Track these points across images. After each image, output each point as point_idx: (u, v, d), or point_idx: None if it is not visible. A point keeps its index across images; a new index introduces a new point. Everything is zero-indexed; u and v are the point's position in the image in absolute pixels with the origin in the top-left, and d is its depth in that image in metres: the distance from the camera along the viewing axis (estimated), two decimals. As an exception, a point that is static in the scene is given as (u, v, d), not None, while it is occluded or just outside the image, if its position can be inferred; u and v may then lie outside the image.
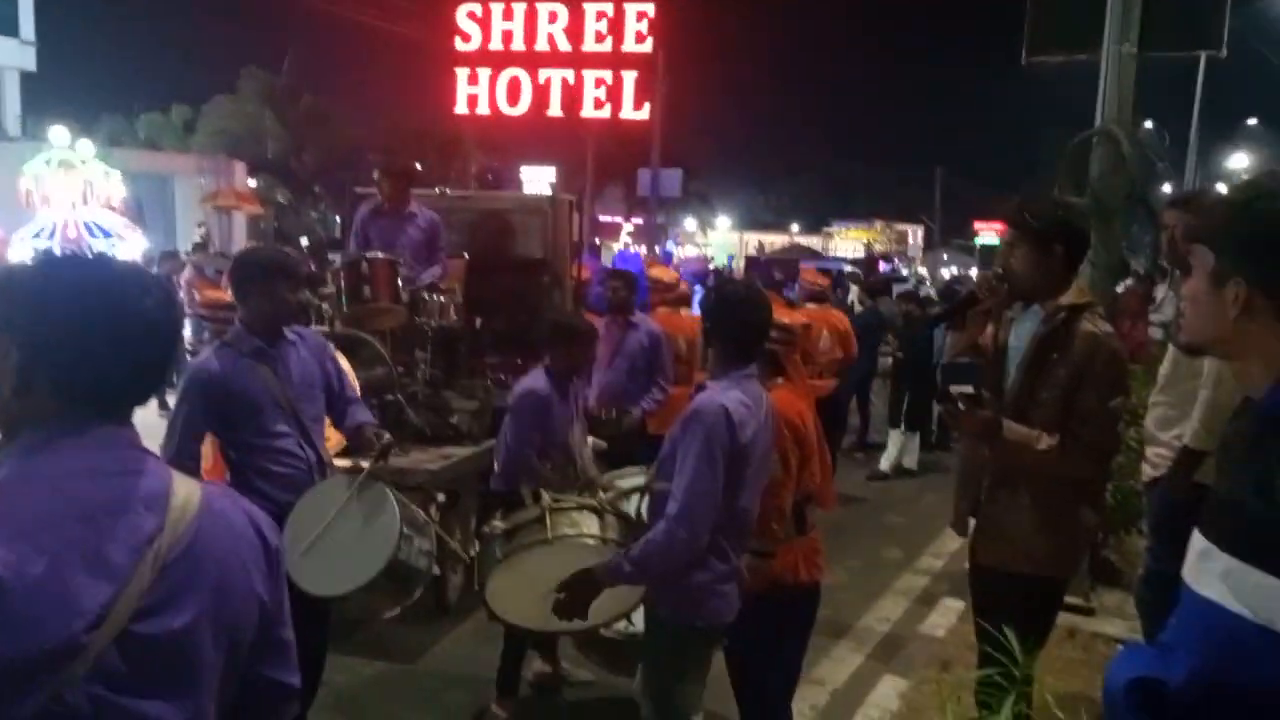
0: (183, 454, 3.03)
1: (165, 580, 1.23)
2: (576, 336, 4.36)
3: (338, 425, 3.37)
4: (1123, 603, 5.02)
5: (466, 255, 6.14)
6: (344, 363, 4.59)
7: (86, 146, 13.49)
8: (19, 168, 13.57)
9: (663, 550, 2.66)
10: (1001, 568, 2.85)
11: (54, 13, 34.82)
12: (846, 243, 48.16)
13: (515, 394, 4.26)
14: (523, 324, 6.34)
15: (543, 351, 4.44)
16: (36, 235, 12.22)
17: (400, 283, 5.08)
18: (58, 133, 13.59)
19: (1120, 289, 6.70)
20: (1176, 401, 3.59)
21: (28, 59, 34.79)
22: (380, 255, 5.11)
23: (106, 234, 12.59)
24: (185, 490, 1.30)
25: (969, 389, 2.69)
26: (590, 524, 2.81)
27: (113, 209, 13.10)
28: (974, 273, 48.84)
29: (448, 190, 6.91)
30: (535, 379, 4.26)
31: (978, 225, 59.20)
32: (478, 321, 6.01)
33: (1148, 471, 3.76)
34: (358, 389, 4.55)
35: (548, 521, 2.76)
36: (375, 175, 5.78)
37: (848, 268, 23.89)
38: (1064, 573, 2.94)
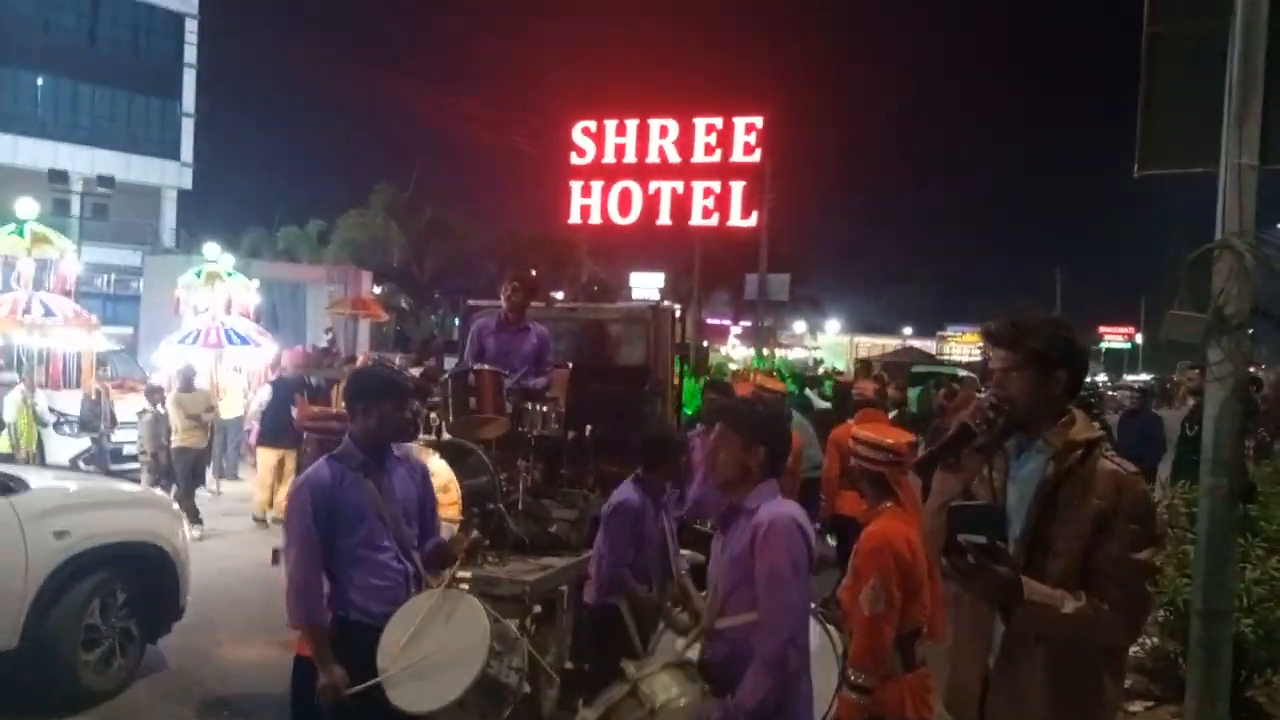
0: (301, 572, 3.17)
1: None
2: (672, 448, 4.40)
3: (419, 548, 3.42)
4: (1274, 752, 4.55)
5: (570, 365, 6.29)
6: (448, 475, 4.73)
7: (228, 261, 14.63)
8: (173, 278, 14.81)
9: (777, 684, 2.57)
10: None
11: (209, 136, 38.43)
12: (962, 346, 47.04)
13: (608, 507, 4.30)
14: (625, 431, 6.40)
15: (639, 463, 4.48)
16: (182, 340, 13.17)
17: (505, 394, 5.22)
18: (210, 248, 14.84)
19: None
20: (1319, 533, 3.31)
21: (185, 179, 38.40)
22: (486, 367, 5.29)
23: (244, 340, 13.48)
24: None
25: (982, 539, 2.21)
26: (680, 681, 2.71)
27: (247, 317, 14.06)
28: (1101, 378, 46.74)
29: (556, 299, 7.14)
30: (625, 492, 4.29)
31: (1102, 330, 57.05)
32: (587, 429, 6.09)
33: (1290, 608, 3.45)
34: (459, 504, 4.66)
35: (640, 694, 2.65)
36: (507, 285, 5.90)
37: (962, 372, 23.28)
38: None
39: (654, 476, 4.43)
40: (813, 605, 3.45)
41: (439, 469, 4.69)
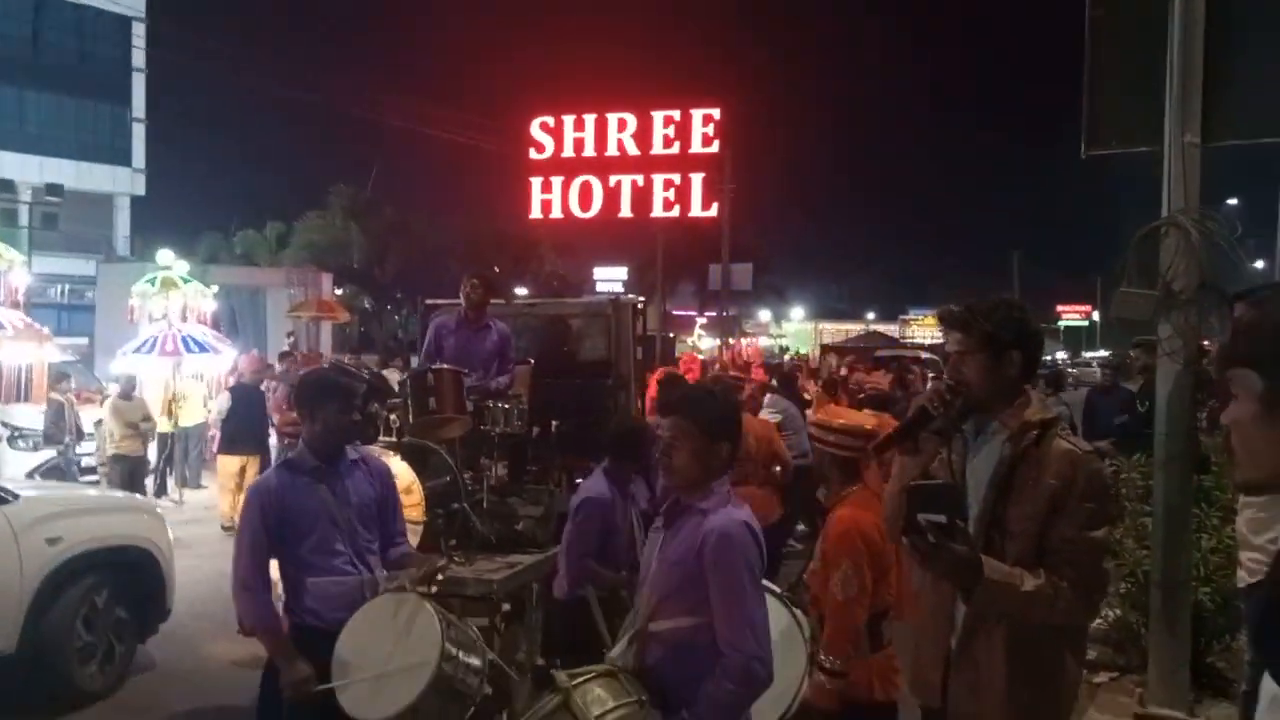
0: (250, 577, 3.15)
1: None
2: (640, 440, 4.38)
3: (382, 555, 3.38)
4: (1232, 715, 4.65)
5: (532, 361, 6.26)
6: (410, 477, 4.69)
7: (183, 267, 14.36)
8: (127, 286, 14.52)
9: (743, 698, 2.46)
10: None
11: (161, 142, 37.75)
12: (924, 329, 47.58)
13: (576, 500, 4.27)
14: (589, 425, 6.39)
15: (605, 456, 4.47)
16: (138, 349, 12.92)
17: (466, 393, 5.18)
18: (164, 254, 14.54)
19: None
20: (1269, 502, 3.37)
21: (138, 185, 37.69)
22: (446, 367, 5.24)
23: (202, 347, 13.25)
24: None
25: (941, 518, 2.20)
26: (615, 693, 2.52)
27: (204, 323, 13.82)
28: (1060, 355, 47.45)
29: (518, 294, 7.11)
30: (595, 484, 4.28)
31: (1060, 308, 57.94)
32: (551, 425, 6.07)
33: (1243, 578, 3.52)
34: (423, 505, 4.62)
35: (575, 705, 2.46)
36: (466, 283, 5.83)
37: (925, 355, 23.55)
38: None
39: (622, 468, 4.43)
40: (779, 590, 3.47)
41: (400, 471, 4.63)
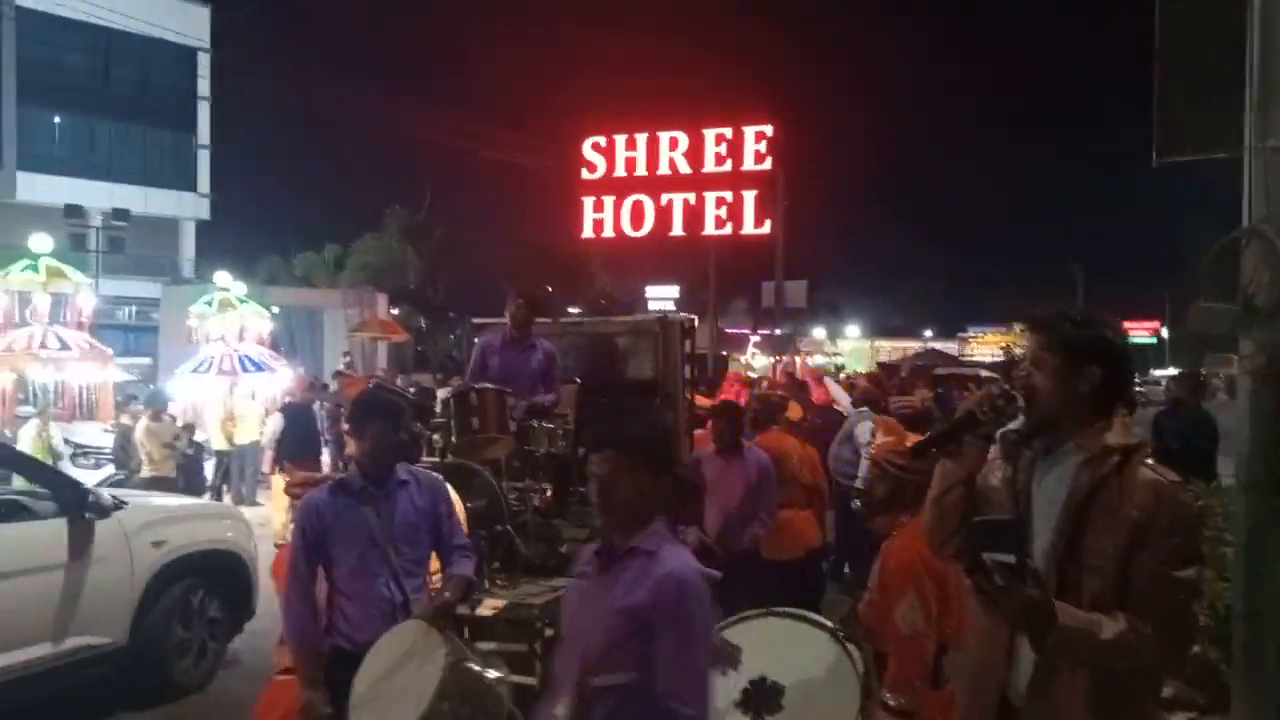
0: (289, 595, 3.18)
1: None
2: (686, 494, 4.28)
3: (443, 569, 3.43)
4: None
5: (579, 380, 6.17)
6: (453, 496, 4.62)
7: (240, 288, 14.68)
8: (189, 308, 14.89)
9: None
10: None
11: (225, 167, 38.82)
12: (984, 347, 46.67)
13: None
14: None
15: None
16: (195, 369, 13.19)
17: (509, 412, 5.11)
18: (221, 276, 14.90)
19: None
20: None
21: (202, 210, 38.81)
22: (489, 386, 5.18)
23: (259, 367, 13.49)
24: None
25: (1009, 558, 2.02)
26: None
27: (261, 343, 14.09)
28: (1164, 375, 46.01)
29: (568, 311, 7.03)
30: None
31: (1126, 325, 56.36)
32: (597, 445, 5.97)
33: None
34: (466, 526, 4.55)
35: None
36: (511, 302, 5.82)
37: (984, 373, 23.01)
38: None
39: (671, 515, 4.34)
40: (830, 624, 3.29)
41: (443, 492, 4.57)
